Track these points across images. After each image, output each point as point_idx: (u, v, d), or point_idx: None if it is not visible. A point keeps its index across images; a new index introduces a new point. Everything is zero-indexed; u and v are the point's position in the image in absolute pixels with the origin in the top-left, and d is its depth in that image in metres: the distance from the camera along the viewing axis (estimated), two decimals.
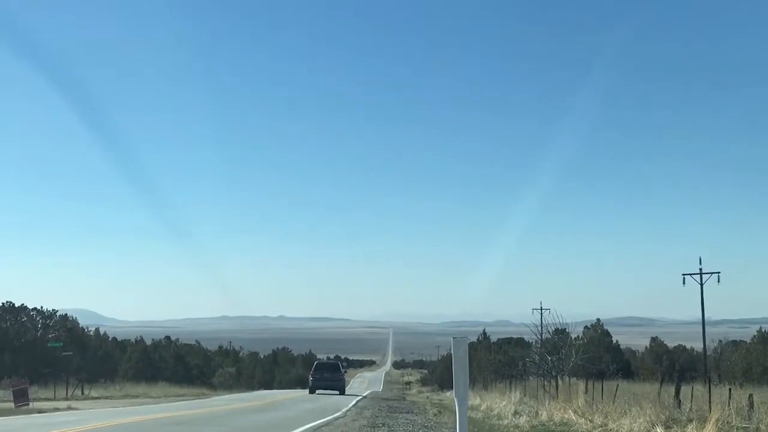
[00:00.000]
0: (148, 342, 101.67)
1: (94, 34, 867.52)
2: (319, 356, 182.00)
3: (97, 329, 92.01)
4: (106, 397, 54.96)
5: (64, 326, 75.31)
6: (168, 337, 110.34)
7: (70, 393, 59.77)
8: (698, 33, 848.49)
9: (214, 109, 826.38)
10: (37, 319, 74.31)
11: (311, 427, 22.71)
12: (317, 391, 56.00)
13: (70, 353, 64.25)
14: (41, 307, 74.91)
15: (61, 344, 63.88)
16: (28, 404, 39.52)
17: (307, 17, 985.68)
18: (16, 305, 73.33)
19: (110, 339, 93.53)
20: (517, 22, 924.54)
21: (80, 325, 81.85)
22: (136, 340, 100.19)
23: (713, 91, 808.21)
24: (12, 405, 38.93)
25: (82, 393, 61.67)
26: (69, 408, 36.62)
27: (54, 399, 49.97)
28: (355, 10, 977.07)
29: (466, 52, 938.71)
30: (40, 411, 33.03)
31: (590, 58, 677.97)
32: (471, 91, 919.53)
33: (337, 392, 55.34)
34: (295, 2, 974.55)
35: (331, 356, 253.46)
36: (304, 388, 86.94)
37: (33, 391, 46.61)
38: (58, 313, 76.21)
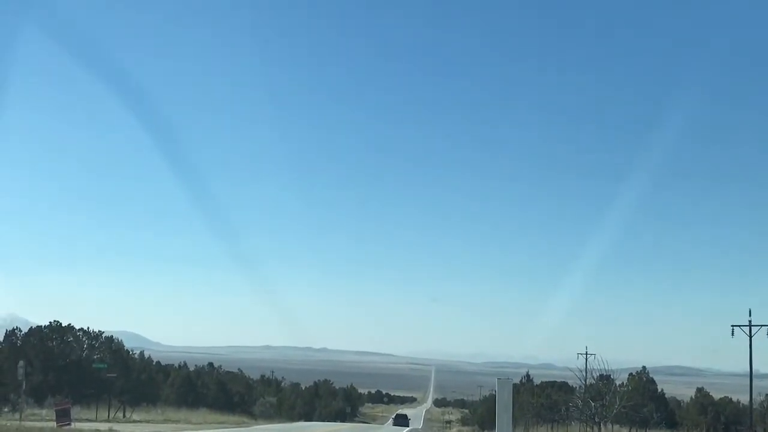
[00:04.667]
0: (191, 367, 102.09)
1: (178, 73, 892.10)
2: (360, 390, 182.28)
3: (141, 352, 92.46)
4: (147, 421, 55.24)
5: (110, 348, 75.70)
6: (211, 364, 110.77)
7: (111, 415, 60.09)
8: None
9: (286, 149, 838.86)
10: (83, 339, 74.82)
11: None
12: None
13: (114, 375, 64.64)
14: (87, 327, 75.48)
15: (106, 366, 64.28)
16: (69, 424, 39.75)
17: (387, 71, 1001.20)
18: (63, 325, 73.93)
19: (154, 363, 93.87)
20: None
21: (125, 348, 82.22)
22: (179, 366, 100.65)
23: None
24: (54, 424, 39.20)
25: (124, 416, 62.01)
26: (110, 430, 36.86)
27: (96, 420, 50.31)
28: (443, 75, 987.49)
29: (536, 103, 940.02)
30: None
31: (661, 110, 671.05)
32: (535, 146, 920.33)
33: (407, 426, 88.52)
34: (374, 55, 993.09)
35: (373, 391, 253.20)
36: (344, 421, 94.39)
37: (75, 411, 46.94)
38: (104, 335, 76.68)
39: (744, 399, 72.57)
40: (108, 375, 63.12)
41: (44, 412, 51.18)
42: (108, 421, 50.93)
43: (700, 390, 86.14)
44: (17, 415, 46.72)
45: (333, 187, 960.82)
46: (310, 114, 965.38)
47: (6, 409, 55.57)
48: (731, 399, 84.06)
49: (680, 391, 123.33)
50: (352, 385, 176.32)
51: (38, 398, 61.49)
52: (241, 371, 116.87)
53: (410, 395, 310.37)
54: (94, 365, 65.98)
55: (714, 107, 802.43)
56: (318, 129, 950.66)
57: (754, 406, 64.74)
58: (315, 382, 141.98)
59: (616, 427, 39.69)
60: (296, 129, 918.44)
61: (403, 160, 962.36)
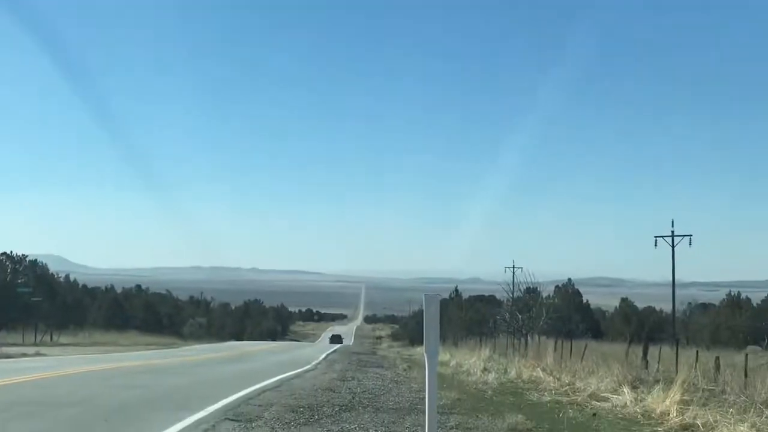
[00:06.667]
0: (119, 290, 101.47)
1: None
2: (290, 309, 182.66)
3: (66, 276, 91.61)
4: (75, 344, 54.89)
5: (34, 272, 74.85)
6: (138, 286, 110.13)
7: (38, 339, 59.69)
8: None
9: (192, 63, 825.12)
10: (6, 263, 73.79)
11: (280, 379, 22.77)
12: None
13: (40, 299, 64.05)
14: (10, 251, 74.38)
15: (31, 290, 63.65)
16: None
17: None
18: None
19: (80, 286, 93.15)
20: None
21: (50, 271, 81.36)
22: (106, 288, 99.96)
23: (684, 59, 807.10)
24: None
25: (51, 339, 61.61)
26: (37, 354, 36.54)
27: (22, 344, 49.86)
28: None
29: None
30: (7, 356, 32.85)
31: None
32: (461, 44, 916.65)
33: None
34: None
35: (303, 309, 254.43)
36: (275, 339, 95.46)
37: (1, 336, 46.47)
38: (27, 259, 75.66)
39: (667, 308, 74.41)
40: (33, 299, 62.54)
41: None
42: (35, 345, 50.50)
43: (624, 300, 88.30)
44: None
45: (250, 103, 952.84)
46: (220, 28, 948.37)
47: None
48: (654, 308, 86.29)
49: (605, 301, 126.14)
50: (282, 305, 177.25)
51: None
52: (170, 293, 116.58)
53: (341, 313, 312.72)
54: (18, 289, 65.27)
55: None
56: (228, 44, 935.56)
57: (677, 315, 66.51)
58: (245, 302, 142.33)
59: (543, 338, 40.47)
60: (205, 44, 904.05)
61: (321, 69, 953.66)
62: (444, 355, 37.05)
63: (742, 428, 10.41)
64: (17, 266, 74.06)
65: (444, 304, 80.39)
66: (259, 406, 14.83)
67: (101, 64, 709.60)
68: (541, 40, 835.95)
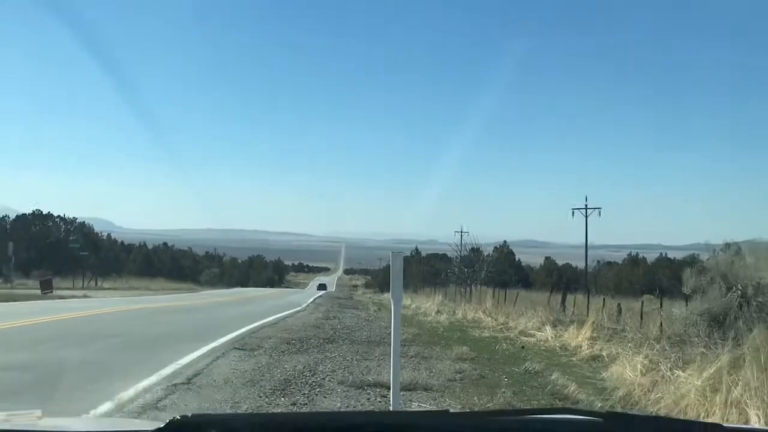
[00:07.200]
0: (149, 247, 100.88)
1: None
2: (286, 262, 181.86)
3: (108, 234, 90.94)
4: (115, 289, 54.68)
5: (82, 231, 74.31)
6: (165, 243, 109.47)
7: (85, 284, 59.32)
8: None
9: (201, 40, 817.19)
10: (60, 224, 73.27)
11: (278, 317, 22.84)
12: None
13: (87, 253, 63.58)
14: (64, 214, 73.86)
15: (80, 245, 63.15)
16: (51, 292, 39.16)
17: None
18: (44, 213, 72.22)
19: (119, 243, 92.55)
20: None
21: (95, 231, 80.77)
22: (139, 245, 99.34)
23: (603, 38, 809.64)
24: (39, 292, 38.56)
25: (96, 285, 61.24)
26: (85, 296, 36.36)
27: (73, 288, 49.58)
28: None
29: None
30: (61, 297, 32.72)
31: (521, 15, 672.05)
32: (415, 33, 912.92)
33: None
34: None
35: (296, 263, 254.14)
36: (273, 287, 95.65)
37: (56, 282, 46.13)
38: (77, 221, 75.16)
39: (581, 265, 74.85)
40: (81, 253, 62.09)
41: (30, 282, 50.25)
42: (83, 288, 50.26)
43: (547, 258, 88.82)
44: (8, 285, 45.91)
45: (259, 80, 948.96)
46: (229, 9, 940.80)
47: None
48: (571, 265, 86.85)
49: (533, 259, 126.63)
50: (279, 259, 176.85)
51: (25, 271, 60.29)
52: (190, 249, 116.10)
53: (325, 266, 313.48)
54: (70, 245, 64.79)
55: None
56: (234, 23, 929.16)
57: (589, 270, 67.04)
58: (249, 257, 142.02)
59: (484, 288, 40.72)
60: (214, 22, 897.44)
61: (301, 46, 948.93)
62: (406, 301, 37.19)
63: (638, 359, 10.55)
64: (69, 227, 73.55)
65: (407, 260, 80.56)
66: (260, 338, 14.87)
67: (132, 49, 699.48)
68: (491, 21, 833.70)
